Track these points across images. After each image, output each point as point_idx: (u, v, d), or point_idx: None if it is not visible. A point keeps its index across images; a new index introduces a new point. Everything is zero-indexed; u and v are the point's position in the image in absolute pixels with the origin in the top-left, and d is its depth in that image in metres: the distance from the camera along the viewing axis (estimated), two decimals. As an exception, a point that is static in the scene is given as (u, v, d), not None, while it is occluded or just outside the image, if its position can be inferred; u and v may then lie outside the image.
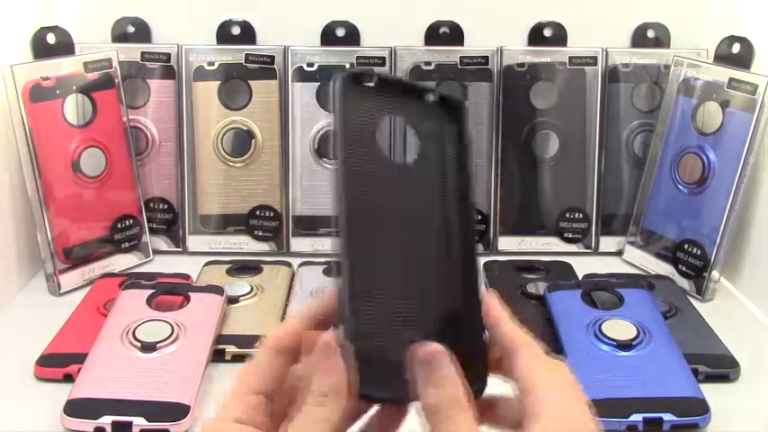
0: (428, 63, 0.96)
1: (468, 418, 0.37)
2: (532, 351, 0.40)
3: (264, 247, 0.97)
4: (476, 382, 0.39)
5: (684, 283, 0.89)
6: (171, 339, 0.71)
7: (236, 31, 0.98)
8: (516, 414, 0.39)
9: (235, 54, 0.96)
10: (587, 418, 0.38)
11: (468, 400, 0.37)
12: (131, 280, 0.83)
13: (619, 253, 0.98)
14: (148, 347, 0.70)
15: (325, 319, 0.40)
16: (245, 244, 0.97)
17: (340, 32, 0.98)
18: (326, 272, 0.88)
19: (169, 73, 0.96)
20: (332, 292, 0.39)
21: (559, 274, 0.91)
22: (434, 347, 0.37)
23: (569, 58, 0.96)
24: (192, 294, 0.79)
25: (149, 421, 0.63)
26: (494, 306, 0.41)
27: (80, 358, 0.70)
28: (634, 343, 0.72)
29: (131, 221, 0.93)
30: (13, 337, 0.78)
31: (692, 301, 0.86)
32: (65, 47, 0.90)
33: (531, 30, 0.99)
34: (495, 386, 0.41)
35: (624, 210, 0.98)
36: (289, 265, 0.92)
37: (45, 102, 0.84)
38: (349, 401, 0.37)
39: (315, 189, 0.96)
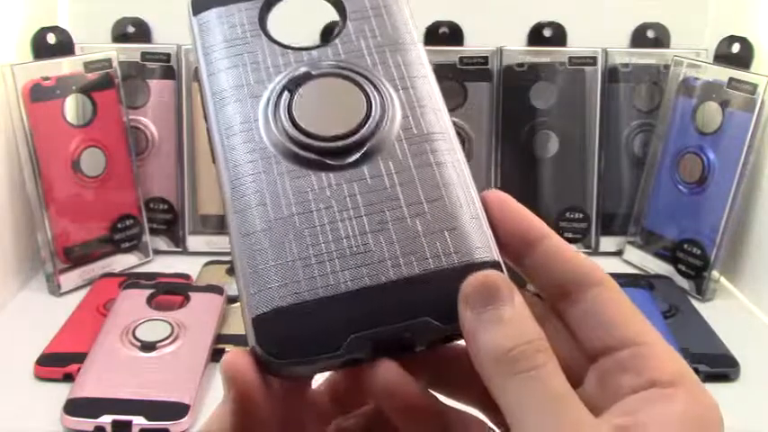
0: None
1: (555, 369, 0.25)
2: (618, 288, 0.28)
3: (264, 247, 0.97)
4: None
5: (684, 283, 0.89)
6: (171, 339, 0.71)
7: (236, 31, 0.97)
8: (575, 352, 0.28)
9: (235, 54, 0.95)
10: (710, 394, 0.28)
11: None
12: (131, 280, 0.83)
13: (619, 253, 0.98)
14: (148, 347, 0.70)
15: None
16: (245, 244, 0.97)
17: (340, 32, 0.98)
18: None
19: (169, 73, 0.96)
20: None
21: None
22: (494, 276, 0.26)
23: (569, 58, 0.96)
24: (191, 294, 0.79)
25: (149, 420, 0.63)
26: (528, 215, 0.30)
27: (80, 358, 0.70)
28: (634, 343, 0.72)
29: (131, 221, 0.93)
30: (13, 337, 0.78)
31: (692, 301, 0.86)
32: (65, 47, 0.90)
33: (531, 30, 0.99)
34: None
35: (624, 210, 0.98)
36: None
37: (45, 102, 0.84)
38: None
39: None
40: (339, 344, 0.27)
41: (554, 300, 0.29)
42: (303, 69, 0.31)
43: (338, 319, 0.27)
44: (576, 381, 0.27)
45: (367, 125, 0.30)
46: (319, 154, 0.30)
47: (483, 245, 0.28)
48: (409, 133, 0.30)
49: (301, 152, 0.30)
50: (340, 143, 0.30)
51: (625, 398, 0.25)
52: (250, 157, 0.30)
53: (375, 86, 0.31)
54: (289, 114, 0.30)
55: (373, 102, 0.30)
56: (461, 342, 0.26)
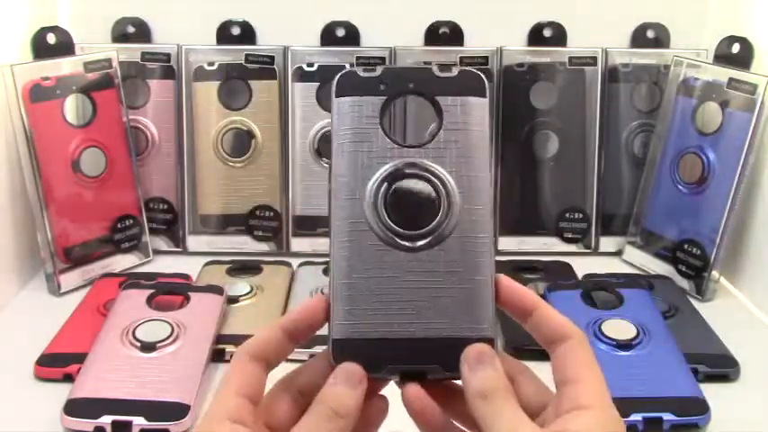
0: (428, 63, 0.96)
1: (513, 403, 0.39)
2: (583, 340, 0.41)
3: (264, 247, 0.97)
4: None
5: (684, 283, 0.89)
6: (171, 339, 0.71)
7: (236, 31, 0.98)
8: (539, 398, 0.41)
9: (235, 54, 0.96)
10: (619, 415, 0.39)
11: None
12: (131, 280, 0.83)
13: (619, 253, 0.98)
14: (148, 347, 0.70)
15: (301, 327, 0.42)
16: (245, 244, 0.97)
17: (340, 32, 0.98)
18: (326, 272, 0.88)
19: (169, 73, 0.96)
20: (309, 301, 0.42)
21: (559, 274, 0.91)
22: (484, 348, 0.40)
23: (569, 58, 0.96)
24: (191, 294, 0.79)
25: (149, 421, 0.63)
26: (525, 292, 0.42)
27: (80, 358, 0.70)
28: (634, 343, 0.72)
29: (131, 221, 0.93)
30: (13, 337, 0.78)
31: (692, 301, 0.86)
32: (65, 47, 0.90)
33: (531, 30, 0.99)
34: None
35: (624, 210, 0.98)
36: (288, 265, 0.92)
37: (45, 102, 0.84)
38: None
39: (315, 189, 0.96)
40: (380, 369, 0.41)
41: (547, 348, 0.41)
42: (400, 166, 0.42)
43: (384, 354, 0.41)
44: (542, 406, 0.41)
45: (433, 224, 0.42)
46: (397, 237, 0.42)
47: (486, 325, 0.41)
48: (462, 232, 0.42)
49: (386, 233, 0.42)
50: (412, 232, 0.42)
51: (563, 415, 0.38)
52: (350, 224, 0.42)
53: (447, 192, 0.42)
54: (383, 202, 0.42)
55: (442, 205, 0.42)
56: (459, 381, 0.41)
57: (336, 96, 0.43)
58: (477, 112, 0.43)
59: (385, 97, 0.43)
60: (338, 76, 0.43)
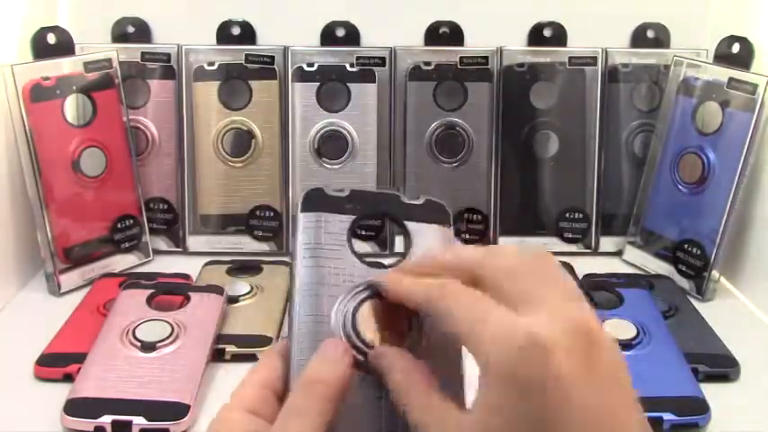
0: (428, 63, 0.96)
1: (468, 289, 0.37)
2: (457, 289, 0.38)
3: (264, 247, 0.97)
4: None
5: (684, 282, 0.89)
6: (171, 339, 0.71)
7: (236, 31, 0.98)
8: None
9: (235, 54, 0.96)
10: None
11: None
12: (131, 280, 0.83)
13: (619, 253, 0.98)
14: (148, 347, 0.70)
15: None
16: (245, 244, 0.97)
17: (340, 32, 0.98)
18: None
19: (169, 73, 0.96)
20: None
21: (559, 273, 0.91)
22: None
23: (569, 58, 0.96)
24: (191, 294, 0.79)
25: (149, 420, 0.63)
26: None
27: (80, 358, 0.70)
28: (634, 343, 0.72)
29: (131, 221, 0.93)
30: (13, 337, 0.78)
31: (692, 301, 0.86)
32: (65, 47, 0.90)
33: (531, 30, 0.99)
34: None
35: (624, 210, 0.98)
36: (289, 265, 0.92)
37: (45, 102, 0.84)
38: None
39: (315, 189, 0.96)
40: None
41: None
42: (369, 288, 0.41)
43: None
44: None
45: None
46: (366, 358, 0.40)
47: None
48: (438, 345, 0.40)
49: (355, 353, 0.39)
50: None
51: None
52: (316, 344, 0.40)
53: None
54: (352, 322, 0.40)
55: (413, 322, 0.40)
56: None
57: (302, 211, 0.43)
58: (444, 241, 0.43)
59: (353, 216, 0.43)
60: (305, 192, 0.43)
